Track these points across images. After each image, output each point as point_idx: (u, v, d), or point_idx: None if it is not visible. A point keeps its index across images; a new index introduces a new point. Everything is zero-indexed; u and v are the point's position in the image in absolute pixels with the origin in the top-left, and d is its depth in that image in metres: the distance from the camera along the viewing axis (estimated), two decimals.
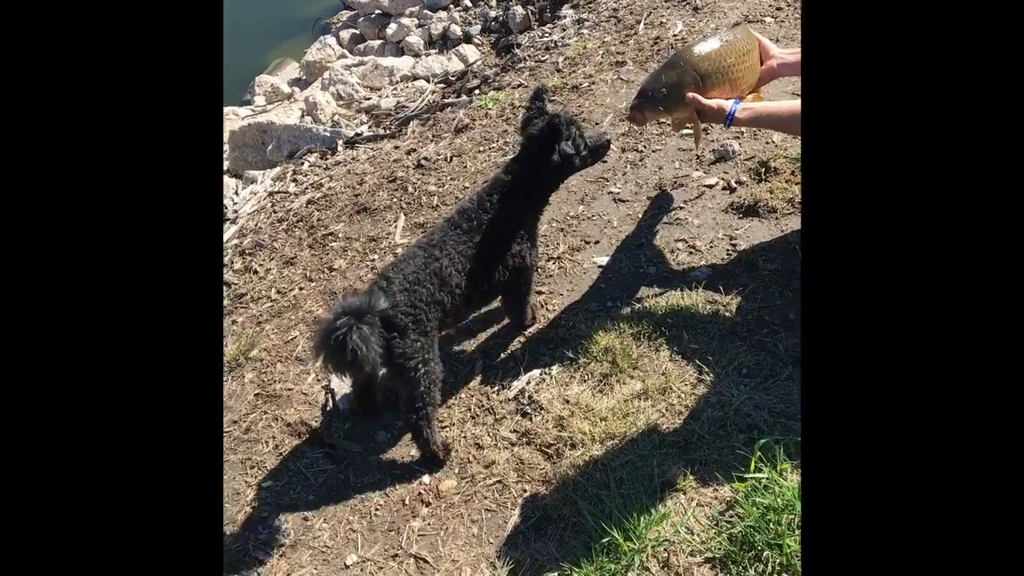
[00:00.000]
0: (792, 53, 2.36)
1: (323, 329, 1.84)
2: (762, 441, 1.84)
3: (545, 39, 4.48)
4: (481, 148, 3.44)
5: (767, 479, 1.74)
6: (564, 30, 4.46)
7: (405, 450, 2.19)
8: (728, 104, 2.19)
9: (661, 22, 3.91)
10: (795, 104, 2.18)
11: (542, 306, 2.49)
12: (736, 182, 2.73)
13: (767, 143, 2.86)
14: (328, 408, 2.37)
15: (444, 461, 2.13)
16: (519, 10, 5.20)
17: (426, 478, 2.10)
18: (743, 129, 2.94)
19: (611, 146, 2.38)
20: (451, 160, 3.39)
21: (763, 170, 2.73)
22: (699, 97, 2.19)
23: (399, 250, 2.95)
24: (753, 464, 1.78)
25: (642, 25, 3.94)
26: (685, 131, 3.04)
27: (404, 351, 1.97)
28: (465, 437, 2.17)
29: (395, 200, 3.23)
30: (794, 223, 2.49)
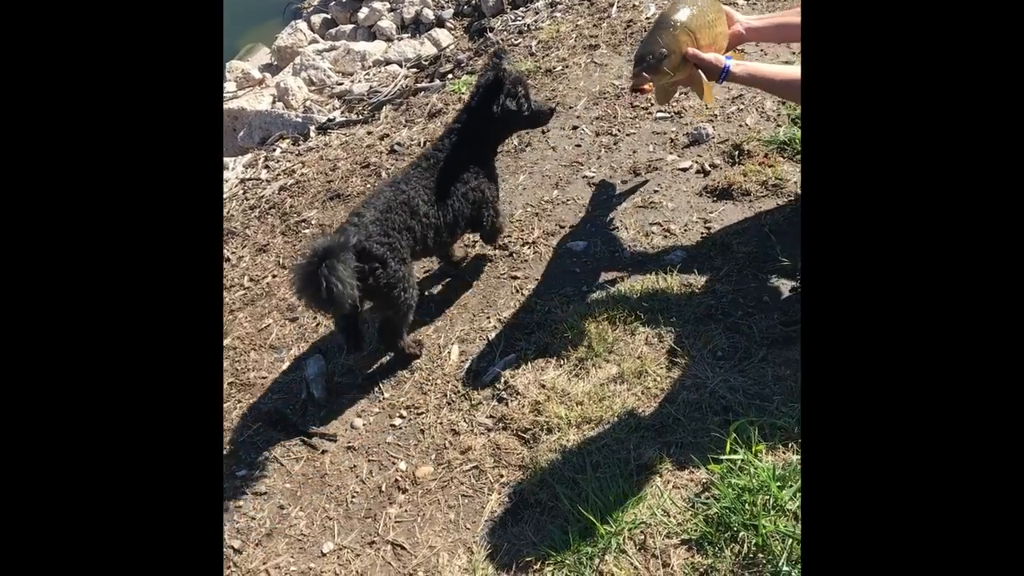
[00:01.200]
0: (758, 19, 2.37)
1: (299, 271, 1.93)
2: (737, 423, 1.85)
3: (518, 22, 4.45)
4: None
5: (742, 460, 1.75)
6: (537, 13, 4.44)
7: (381, 436, 2.18)
8: (722, 58, 2.17)
9: (634, 5, 3.90)
10: (788, 70, 2.18)
11: (517, 291, 2.48)
12: (710, 165, 2.73)
13: (740, 126, 2.86)
14: (303, 396, 2.35)
15: (419, 355, 2.37)
16: None
17: (402, 464, 2.10)
18: (716, 112, 2.95)
19: (552, 115, 2.49)
20: (424, 145, 3.37)
21: (737, 153, 2.73)
22: (698, 52, 2.15)
23: None
24: (728, 446, 1.79)
25: (615, 8, 3.93)
26: (660, 114, 3.04)
27: (388, 280, 2.13)
28: (441, 423, 2.17)
29: (368, 186, 3.20)
30: (767, 206, 2.50)
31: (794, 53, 3.10)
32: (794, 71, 2.15)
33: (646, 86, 2.28)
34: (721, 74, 2.16)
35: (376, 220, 2.14)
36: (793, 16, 2.34)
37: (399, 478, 2.07)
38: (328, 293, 1.89)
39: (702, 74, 2.19)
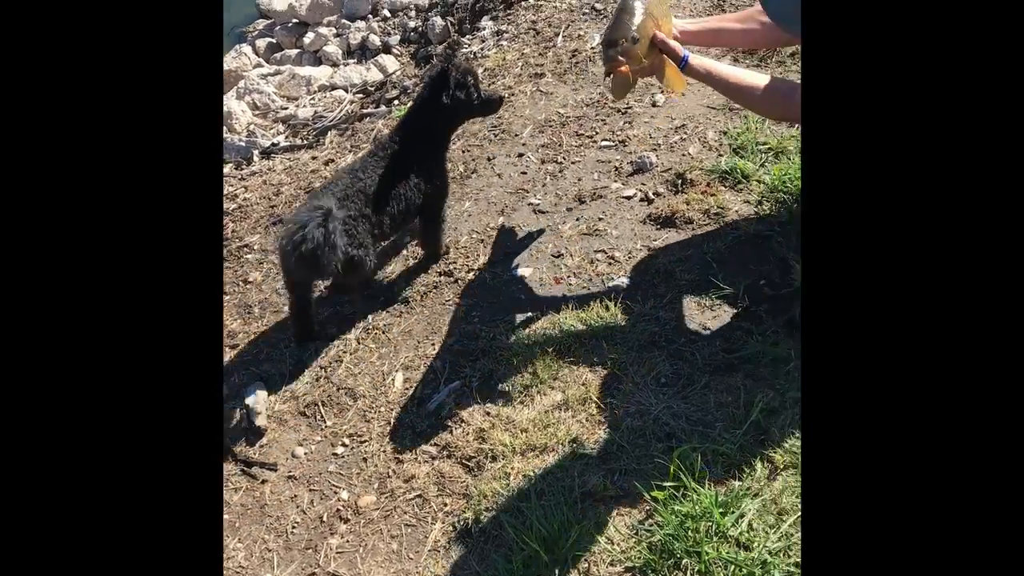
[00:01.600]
0: (692, 22, 2.39)
1: (295, 229, 2.08)
2: (680, 449, 1.86)
3: (464, 50, 4.47)
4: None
5: (685, 487, 1.76)
6: (483, 41, 4.47)
7: (323, 465, 2.15)
8: (682, 48, 2.15)
9: (579, 35, 3.95)
10: (744, 74, 2.20)
11: (463, 317, 2.47)
12: (654, 193, 2.77)
13: (683, 155, 2.90)
14: (243, 424, 2.30)
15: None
16: (438, 21, 5.19)
17: (344, 494, 2.06)
18: (659, 141, 2.99)
19: (503, 103, 2.63)
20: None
21: (680, 182, 2.77)
22: (665, 38, 2.13)
23: None
24: (671, 472, 1.80)
25: (560, 38, 3.97)
26: (604, 143, 3.07)
27: (349, 264, 2.25)
28: (384, 451, 2.14)
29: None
30: (709, 234, 2.54)
31: (736, 60, 3.17)
32: (749, 76, 2.17)
33: (623, 68, 2.16)
34: (680, 64, 2.15)
35: (340, 206, 2.23)
36: (730, 23, 2.37)
37: (341, 508, 2.03)
38: (327, 251, 2.08)
39: (666, 60, 2.16)
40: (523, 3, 4.58)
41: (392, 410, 2.25)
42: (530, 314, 2.42)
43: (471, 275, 2.63)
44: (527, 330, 2.35)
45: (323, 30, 5.90)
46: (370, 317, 2.57)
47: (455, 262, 2.69)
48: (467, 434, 2.09)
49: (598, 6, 4.05)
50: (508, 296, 2.52)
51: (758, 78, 2.16)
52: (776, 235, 2.44)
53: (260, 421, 2.29)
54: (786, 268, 2.31)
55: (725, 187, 2.70)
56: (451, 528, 1.90)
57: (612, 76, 2.19)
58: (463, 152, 3.27)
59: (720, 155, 2.85)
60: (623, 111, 3.21)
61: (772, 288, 2.29)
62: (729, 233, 2.52)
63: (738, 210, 2.59)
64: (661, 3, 2.18)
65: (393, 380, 2.34)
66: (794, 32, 1.96)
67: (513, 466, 1.97)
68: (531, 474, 1.93)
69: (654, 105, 3.20)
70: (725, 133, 2.94)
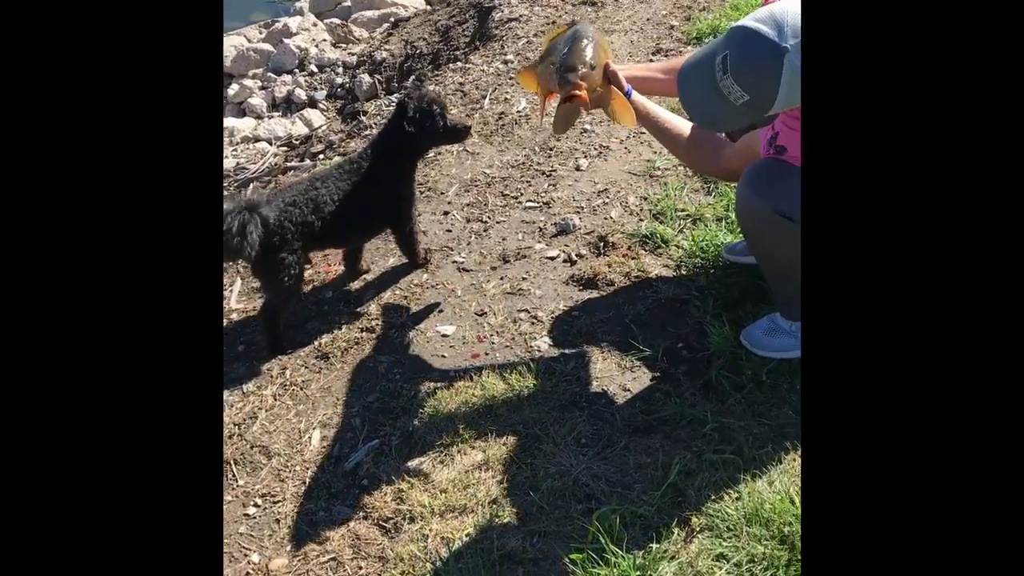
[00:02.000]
0: (619, 68, 2.34)
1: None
2: (599, 511, 1.86)
3: (391, 108, 4.51)
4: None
5: (604, 550, 1.76)
6: None
7: (234, 527, 2.07)
8: (624, 83, 2.16)
9: (505, 98, 4.02)
10: (676, 119, 2.24)
11: (384, 375, 2.44)
12: (576, 255, 2.81)
13: (605, 219, 2.97)
14: None
15: (282, 350, 2.62)
16: (366, 78, 5.23)
17: (255, 556, 1.99)
18: (583, 204, 3.05)
19: (470, 132, 2.76)
20: None
21: (602, 244, 2.82)
22: (616, 69, 2.13)
23: (233, 315, 2.83)
24: (591, 534, 1.79)
25: (487, 100, 4.04)
26: (528, 204, 3.12)
27: (272, 263, 2.45)
28: (298, 512, 2.08)
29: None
30: (630, 296, 2.58)
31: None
32: (682, 125, 2.22)
33: (581, 93, 2.05)
34: (626, 94, 2.14)
35: (278, 208, 2.44)
36: (656, 73, 2.39)
37: (251, 571, 1.96)
38: (240, 236, 2.27)
39: (618, 93, 2.14)
40: (450, 65, 4.66)
41: (308, 469, 2.20)
42: (452, 372, 2.41)
43: (394, 332, 2.61)
44: (449, 388, 2.33)
45: (248, 82, 5.88)
46: (288, 372, 2.52)
47: (377, 319, 2.67)
48: (385, 494, 2.05)
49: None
50: (431, 353, 2.50)
51: (687, 126, 2.23)
52: (694, 299, 2.50)
53: None
54: (703, 331, 2.37)
55: (645, 251, 2.76)
56: None
57: (558, 107, 2.14)
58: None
59: (641, 219, 2.92)
60: (547, 174, 3.27)
61: (690, 351, 2.34)
62: (649, 296, 2.57)
63: (658, 273, 2.65)
64: (603, 37, 2.19)
65: (310, 438, 2.29)
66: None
67: (431, 528, 1.94)
68: (450, 536, 1.90)
69: (578, 169, 3.27)
70: (646, 199, 3.02)
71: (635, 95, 2.19)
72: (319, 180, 2.56)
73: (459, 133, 2.68)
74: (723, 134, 2.37)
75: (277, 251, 2.44)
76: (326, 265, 2.99)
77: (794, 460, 1.93)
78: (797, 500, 1.79)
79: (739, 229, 2.63)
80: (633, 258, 2.72)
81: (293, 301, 2.65)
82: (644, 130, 2.44)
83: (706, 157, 2.24)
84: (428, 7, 6.28)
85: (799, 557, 1.67)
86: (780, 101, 1.68)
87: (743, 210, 2.05)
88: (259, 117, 5.55)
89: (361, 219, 2.66)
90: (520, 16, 4.70)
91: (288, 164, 4.33)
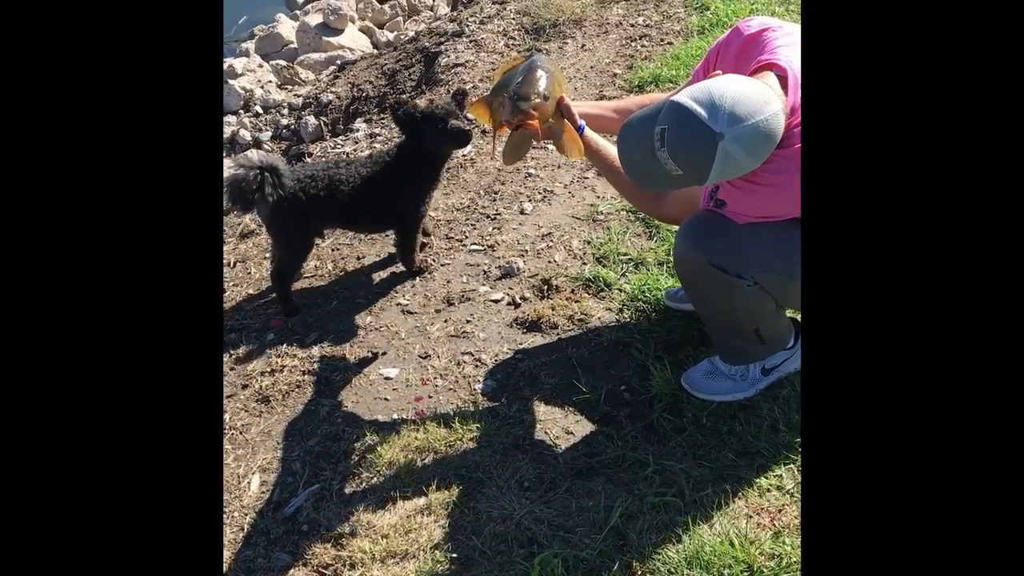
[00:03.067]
0: (574, 103, 2.36)
1: (240, 170, 2.56)
2: (541, 556, 1.85)
3: (337, 150, 4.51)
4: (267, 255, 3.36)
5: None
6: (356, 143, 4.52)
7: None
8: (579, 118, 2.15)
9: None
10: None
11: (326, 418, 2.42)
12: (520, 298, 2.83)
13: (549, 262, 3.00)
14: None
15: (296, 311, 2.90)
16: (311, 120, 5.22)
17: None
18: (527, 248, 3.08)
19: (470, 137, 2.83)
20: (235, 266, 3.28)
21: (546, 287, 2.85)
22: (569, 102, 2.13)
23: None
24: None
25: None
26: (473, 247, 3.13)
27: (282, 221, 2.74)
28: (236, 559, 2.03)
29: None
30: (573, 339, 2.60)
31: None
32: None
33: (533, 123, 2.04)
34: (578, 132, 2.14)
35: (298, 177, 2.70)
36: (608, 111, 2.41)
37: None
38: (258, 191, 2.53)
39: (569, 126, 2.13)
40: None
41: (246, 515, 2.16)
42: (395, 415, 2.40)
43: (336, 374, 2.59)
44: (392, 432, 2.32)
45: None
46: (228, 416, 2.48)
47: (319, 361, 2.65)
48: (325, 541, 2.02)
49: (469, 115, 4.19)
50: (373, 397, 2.49)
51: None
52: (636, 342, 2.53)
53: None
54: (645, 374, 2.39)
55: (588, 294, 2.79)
56: None
57: (509, 136, 2.14)
58: (332, 251, 3.26)
59: (584, 263, 2.96)
60: (492, 217, 3.30)
61: (632, 393, 2.37)
62: (592, 339, 2.59)
63: (600, 317, 2.68)
64: (558, 69, 2.19)
65: (249, 483, 2.25)
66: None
67: (372, 574, 1.91)
68: None
69: (522, 212, 3.31)
70: (589, 242, 3.06)
71: (587, 131, 2.19)
72: (342, 164, 2.82)
73: (459, 137, 2.76)
74: None
75: (290, 214, 2.68)
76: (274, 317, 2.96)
77: (734, 502, 1.96)
78: (736, 543, 1.81)
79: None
80: (576, 301, 2.75)
81: (298, 265, 2.95)
82: (588, 175, 2.47)
83: (650, 199, 2.28)
84: (375, 51, 6.33)
85: None
86: (714, 177, 1.72)
87: (680, 261, 2.09)
88: None
89: (368, 209, 2.85)
90: (466, 61, 4.76)
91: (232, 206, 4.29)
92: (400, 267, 3.08)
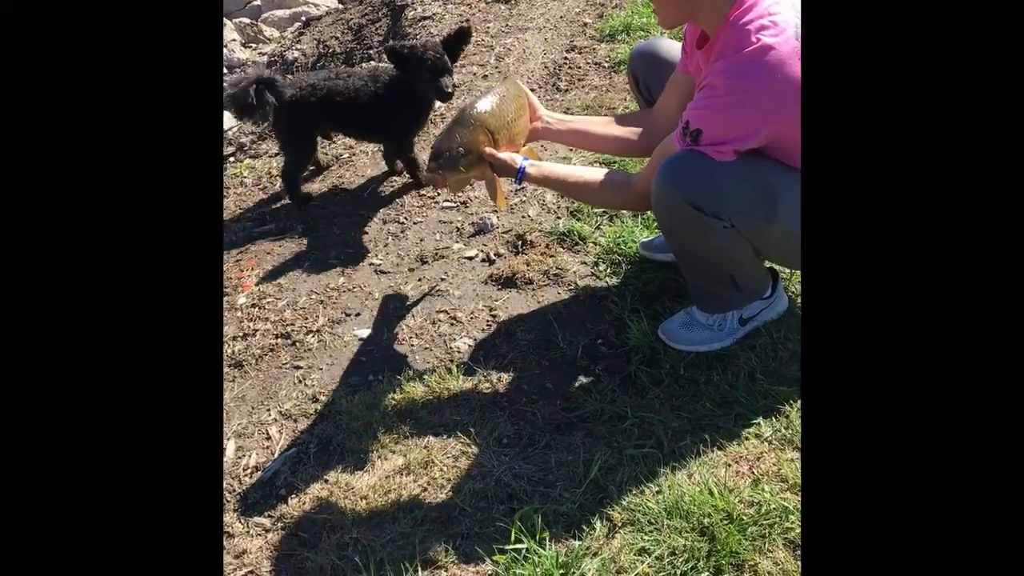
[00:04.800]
0: (558, 120, 2.41)
1: (240, 82, 2.90)
2: (521, 511, 1.85)
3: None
4: (236, 218, 3.31)
5: (527, 550, 1.75)
6: None
7: None
8: (518, 159, 2.17)
9: None
10: (580, 170, 2.25)
11: (300, 381, 2.39)
12: (495, 254, 2.80)
13: (523, 217, 2.96)
14: None
15: (306, 201, 3.27)
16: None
17: None
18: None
19: (451, 96, 2.95)
20: None
21: (520, 243, 2.82)
22: (495, 152, 2.14)
23: None
24: (513, 535, 1.78)
25: None
26: (446, 203, 3.10)
27: (289, 128, 3.14)
28: None
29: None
30: (549, 294, 2.58)
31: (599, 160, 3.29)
32: (586, 173, 2.23)
33: (440, 183, 2.22)
34: (517, 175, 2.16)
35: (299, 86, 3.01)
36: (596, 127, 2.41)
37: None
38: (256, 101, 2.86)
39: (496, 176, 2.18)
40: (364, 64, 4.59)
41: (224, 481, 2.13)
42: (371, 377, 2.37)
43: (310, 337, 2.56)
44: (368, 393, 2.29)
45: None
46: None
47: (292, 324, 2.61)
48: (303, 504, 2.00)
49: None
50: (348, 358, 2.46)
51: (594, 173, 2.23)
52: (612, 295, 2.51)
53: None
54: (622, 327, 2.38)
55: (563, 248, 2.77)
56: None
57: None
58: (303, 211, 3.20)
59: (558, 217, 2.93)
60: None
61: (609, 347, 2.35)
62: (568, 293, 2.57)
63: (576, 271, 2.66)
64: (504, 112, 2.19)
65: (224, 449, 2.22)
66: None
67: (351, 536, 1.90)
68: (371, 544, 1.87)
69: None
70: (562, 197, 3.02)
71: (531, 168, 2.17)
72: (344, 75, 3.10)
73: (438, 91, 2.88)
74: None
75: (293, 120, 3.05)
76: (239, 271, 2.91)
77: (712, 452, 1.96)
78: (716, 491, 1.82)
79: (655, 224, 2.66)
80: (551, 256, 2.73)
81: (303, 164, 3.33)
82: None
83: (619, 192, 2.21)
84: (340, 6, 6.19)
85: (719, 548, 1.70)
86: None
87: (658, 202, 2.05)
88: None
89: (363, 120, 3.11)
90: (433, 14, 4.67)
91: None
92: (371, 227, 3.03)
